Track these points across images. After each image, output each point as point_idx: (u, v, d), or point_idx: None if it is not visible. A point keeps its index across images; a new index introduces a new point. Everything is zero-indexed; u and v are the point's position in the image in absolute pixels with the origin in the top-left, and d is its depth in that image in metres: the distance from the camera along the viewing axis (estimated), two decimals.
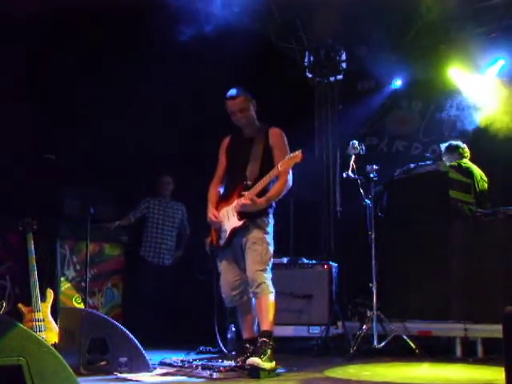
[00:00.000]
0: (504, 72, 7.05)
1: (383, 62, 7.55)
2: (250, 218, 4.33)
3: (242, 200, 4.27)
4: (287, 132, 4.63)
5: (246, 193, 4.28)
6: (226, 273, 4.48)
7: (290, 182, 4.42)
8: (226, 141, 4.71)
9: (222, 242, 4.45)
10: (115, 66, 6.25)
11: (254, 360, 3.93)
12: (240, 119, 4.52)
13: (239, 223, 4.33)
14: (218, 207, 4.52)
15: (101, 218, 6.34)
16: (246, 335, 4.48)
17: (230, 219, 4.40)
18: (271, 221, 4.45)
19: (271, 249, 4.38)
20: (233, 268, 4.45)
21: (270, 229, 4.43)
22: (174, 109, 6.65)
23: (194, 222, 7.31)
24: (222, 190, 4.63)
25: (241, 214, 4.32)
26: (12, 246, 5.83)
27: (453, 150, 6.32)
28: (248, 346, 4.36)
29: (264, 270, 4.28)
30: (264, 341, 4.09)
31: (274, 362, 4.03)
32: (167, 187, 6.94)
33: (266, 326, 4.18)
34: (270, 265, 4.36)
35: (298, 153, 4.18)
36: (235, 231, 4.37)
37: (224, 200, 4.52)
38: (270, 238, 4.40)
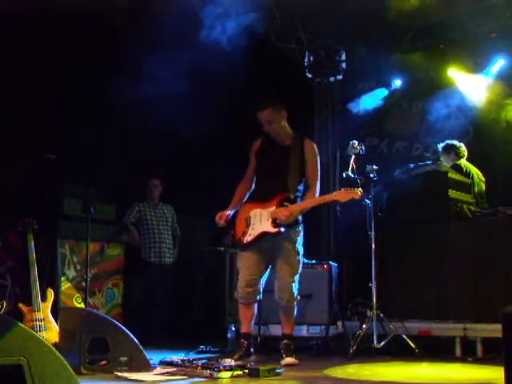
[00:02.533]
0: (504, 72, 7.05)
1: (383, 61, 7.56)
2: (285, 228, 4.50)
3: (284, 212, 4.41)
4: None
5: (289, 206, 4.46)
6: (246, 270, 4.60)
7: (318, 194, 4.64)
8: (258, 143, 4.85)
9: (247, 239, 4.56)
10: (115, 65, 6.25)
11: (291, 360, 4.46)
12: (269, 130, 4.68)
13: (272, 230, 4.49)
14: (248, 205, 4.69)
15: (101, 217, 6.35)
16: (244, 329, 4.66)
17: (262, 222, 4.52)
18: (301, 227, 4.65)
19: (302, 257, 4.63)
20: (253, 266, 4.57)
21: (301, 237, 4.63)
22: (174, 109, 6.65)
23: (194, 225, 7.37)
24: (253, 189, 4.80)
25: (275, 222, 4.46)
26: (12, 245, 5.83)
27: (449, 149, 6.32)
28: (243, 341, 4.59)
29: (295, 281, 4.57)
30: (288, 343, 4.58)
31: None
32: (155, 190, 6.99)
33: (289, 330, 4.64)
34: (299, 272, 4.62)
35: (358, 190, 4.41)
36: (264, 235, 4.52)
37: (259, 201, 4.64)
38: (300, 247, 4.62)
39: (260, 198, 4.65)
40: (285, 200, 4.50)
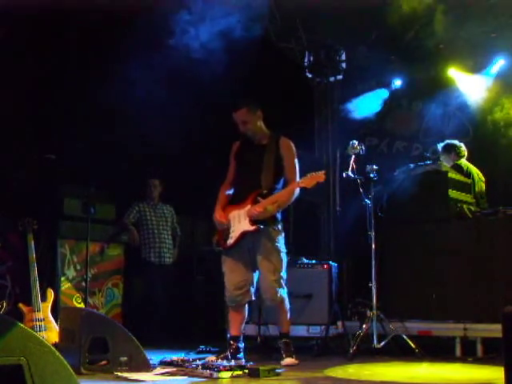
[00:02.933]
0: (503, 71, 7.06)
1: (383, 61, 7.56)
2: (263, 225, 4.47)
3: (256, 208, 4.41)
4: (287, 132, 4.68)
5: (262, 201, 4.44)
6: (232, 273, 4.58)
7: (298, 190, 4.56)
8: (236, 146, 4.84)
9: (229, 242, 4.55)
10: (115, 65, 6.25)
11: (291, 361, 4.43)
12: (245, 130, 4.66)
13: (251, 228, 4.46)
14: (227, 209, 4.63)
15: (101, 217, 6.35)
16: (233, 332, 4.65)
17: (241, 222, 4.51)
18: (281, 226, 4.61)
19: (284, 255, 4.58)
20: (239, 269, 4.56)
21: (281, 236, 4.59)
22: (174, 109, 6.66)
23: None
24: (232, 193, 4.74)
25: (253, 220, 4.45)
26: (12, 245, 5.83)
27: (449, 149, 6.33)
28: (232, 342, 4.58)
29: (279, 279, 4.51)
30: (287, 341, 4.55)
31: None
32: (155, 190, 6.99)
33: (286, 329, 4.61)
34: (284, 269, 4.57)
35: (322, 173, 4.38)
36: (245, 235, 4.50)
37: (236, 203, 4.62)
38: (282, 245, 4.58)
39: (237, 200, 4.62)
40: (258, 196, 4.48)
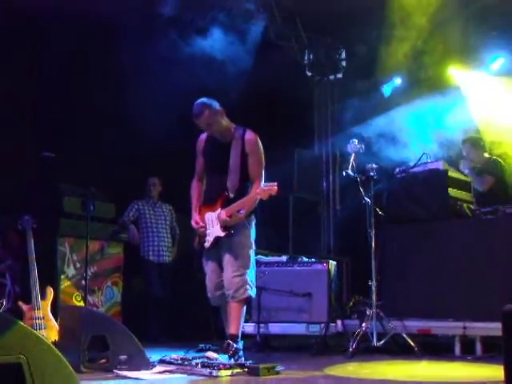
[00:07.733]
0: (504, 70, 7.06)
1: (383, 60, 7.56)
2: (233, 230, 4.43)
3: (225, 214, 4.39)
4: (287, 131, 4.67)
5: (226, 209, 4.40)
6: (211, 273, 4.58)
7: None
8: (202, 140, 4.74)
9: (206, 245, 4.54)
10: (115, 65, 6.25)
11: (213, 355, 4.22)
12: (211, 132, 4.58)
13: (222, 234, 4.44)
14: (201, 210, 4.61)
15: (101, 216, 6.35)
16: (228, 331, 4.56)
17: (214, 226, 4.49)
18: (253, 222, 4.56)
19: (252, 252, 4.51)
20: (217, 269, 4.54)
21: (252, 231, 4.54)
22: (174, 108, 6.66)
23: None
24: (204, 188, 4.71)
25: (224, 226, 4.43)
26: (12, 244, 5.83)
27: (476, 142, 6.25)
28: (231, 342, 4.45)
29: (242, 274, 4.40)
30: (229, 343, 4.33)
31: (233, 361, 4.15)
32: (154, 188, 7.00)
33: (233, 330, 4.40)
34: (252, 267, 4.48)
35: (275, 187, 4.30)
36: (218, 240, 4.48)
37: (208, 204, 4.59)
38: (251, 241, 4.52)
39: (208, 200, 4.58)
40: (225, 201, 4.44)
